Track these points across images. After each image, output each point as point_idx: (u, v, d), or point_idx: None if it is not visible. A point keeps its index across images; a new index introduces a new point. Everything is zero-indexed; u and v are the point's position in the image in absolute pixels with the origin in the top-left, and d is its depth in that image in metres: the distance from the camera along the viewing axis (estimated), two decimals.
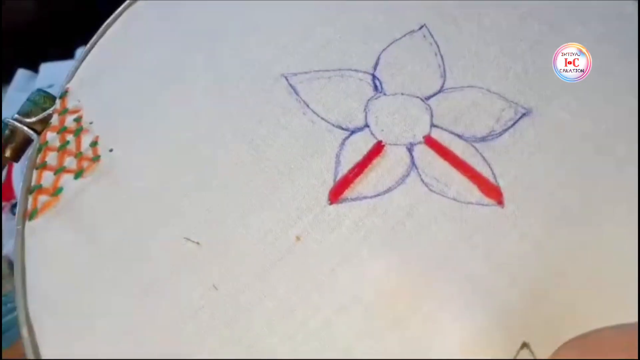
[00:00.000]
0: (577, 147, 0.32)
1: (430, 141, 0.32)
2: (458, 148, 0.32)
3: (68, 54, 0.62)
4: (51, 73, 0.61)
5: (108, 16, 0.37)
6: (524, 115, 0.33)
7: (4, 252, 0.48)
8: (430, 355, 0.27)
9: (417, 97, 0.34)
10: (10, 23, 0.62)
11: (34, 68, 0.63)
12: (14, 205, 0.51)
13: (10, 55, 0.63)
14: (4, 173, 0.54)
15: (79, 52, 0.60)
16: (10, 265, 0.47)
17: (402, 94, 0.34)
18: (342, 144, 0.32)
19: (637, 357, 0.22)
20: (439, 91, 0.34)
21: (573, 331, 0.26)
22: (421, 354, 0.27)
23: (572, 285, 0.29)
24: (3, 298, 0.45)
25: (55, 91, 0.36)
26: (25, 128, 0.34)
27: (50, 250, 0.31)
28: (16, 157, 0.34)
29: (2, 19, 0.60)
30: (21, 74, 0.63)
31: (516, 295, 0.28)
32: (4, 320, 0.43)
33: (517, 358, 0.27)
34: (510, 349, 0.27)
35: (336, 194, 0.31)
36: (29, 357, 0.28)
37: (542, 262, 0.29)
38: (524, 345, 0.27)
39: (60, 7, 0.63)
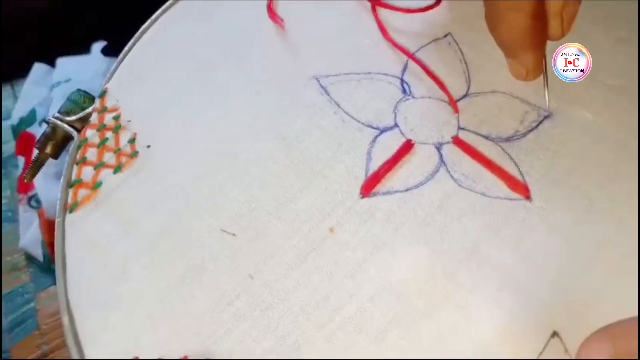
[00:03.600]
0: (599, 144, 0.33)
1: (457, 141, 0.33)
2: (485, 148, 0.33)
3: (84, 49, 0.63)
4: (68, 67, 0.61)
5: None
6: (546, 117, 0.34)
7: (20, 244, 0.48)
8: (462, 343, 0.28)
9: (444, 101, 0.35)
10: (27, 17, 0.62)
11: (51, 62, 0.63)
12: (31, 197, 0.52)
13: (26, 49, 0.63)
14: (21, 166, 0.54)
15: (95, 47, 0.62)
16: (27, 257, 0.48)
17: (430, 97, 0.35)
18: (373, 141, 0.33)
19: None
20: (465, 96, 0.35)
21: (601, 321, 0.26)
22: (453, 340, 0.28)
23: (599, 275, 0.29)
24: (19, 289, 0.46)
25: (72, 86, 0.37)
26: (66, 126, 0.35)
27: (90, 241, 0.32)
28: (56, 153, 0.35)
29: (18, 13, 0.60)
30: (38, 68, 0.64)
31: (545, 285, 0.29)
32: (16, 314, 0.44)
33: (548, 346, 0.28)
34: (541, 337, 0.28)
35: (368, 188, 0.32)
36: (69, 344, 0.29)
37: (569, 253, 0.30)
38: (555, 334, 0.28)
39: (76, 2, 0.63)
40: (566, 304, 0.29)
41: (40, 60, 0.64)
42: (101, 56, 0.62)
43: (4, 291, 0.45)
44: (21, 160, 0.58)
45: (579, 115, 0.34)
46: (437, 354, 0.27)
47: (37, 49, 0.64)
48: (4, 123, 0.60)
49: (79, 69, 0.61)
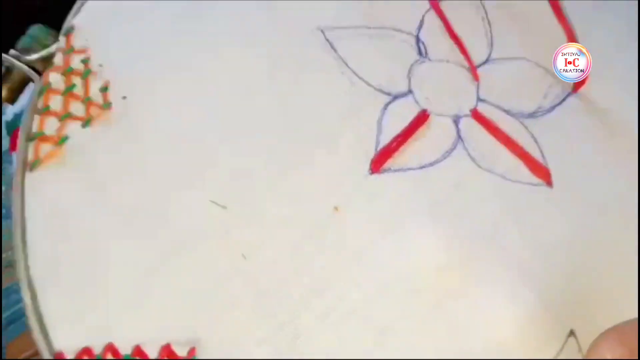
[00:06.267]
0: (622, 133, 0.31)
1: (477, 115, 0.30)
2: (505, 124, 0.30)
3: None
4: None
5: None
6: (570, 94, 0.32)
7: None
8: (475, 341, 0.26)
9: (464, 66, 0.31)
10: (22, 13, 0.58)
11: None
12: None
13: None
14: (15, 162, 0.50)
15: None
16: None
17: (448, 61, 0.32)
18: (384, 109, 0.30)
19: None
20: (486, 61, 0.32)
21: (613, 320, 0.25)
22: (465, 339, 0.26)
23: (615, 274, 0.28)
24: (14, 286, 0.42)
25: None
26: (24, 66, 0.30)
27: (55, 207, 0.27)
28: (13, 98, 0.30)
29: (13, 9, 0.56)
30: None
31: (562, 280, 0.27)
32: (10, 311, 0.40)
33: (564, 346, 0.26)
34: (558, 336, 0.26)
35: (378, 164, 0.28)
36: (32, 326, 0.25)
37: (588, 249, 0.28)
38: (571, 333, 0.26)
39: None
40: (581, 302, 0.27)
41: None
42: None
43: None
44: (15, 156, 0.55)
45: (603, 96, 0.31)
46: (448, 353, 0.25)
47: None
48: None
49: None
